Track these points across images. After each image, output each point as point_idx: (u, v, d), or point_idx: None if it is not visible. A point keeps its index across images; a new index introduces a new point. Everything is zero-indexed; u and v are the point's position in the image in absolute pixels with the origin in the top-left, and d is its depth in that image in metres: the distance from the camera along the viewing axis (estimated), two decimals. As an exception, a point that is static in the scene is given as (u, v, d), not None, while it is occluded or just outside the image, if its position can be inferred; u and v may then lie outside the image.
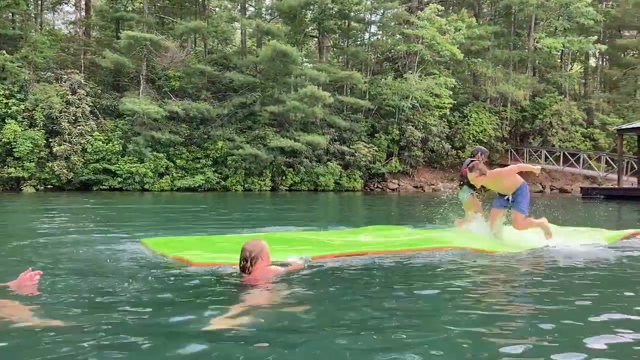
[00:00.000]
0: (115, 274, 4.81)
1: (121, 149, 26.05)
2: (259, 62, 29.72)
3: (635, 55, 44.43)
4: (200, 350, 2.81)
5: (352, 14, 33.09)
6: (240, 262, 4.55)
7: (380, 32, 38.31)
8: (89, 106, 25.74)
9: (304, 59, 34.51)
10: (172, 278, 4.69)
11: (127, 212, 14.04)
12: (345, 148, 30.05)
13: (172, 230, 8.49)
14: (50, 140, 24.57)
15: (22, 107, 24.52)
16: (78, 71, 26.69)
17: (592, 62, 46.58)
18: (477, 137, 34.23)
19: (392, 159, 32.03)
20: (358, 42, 37.55)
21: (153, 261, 5.54)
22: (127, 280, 4.50)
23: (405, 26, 33.54)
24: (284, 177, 28.79)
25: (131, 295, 3.99)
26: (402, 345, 2.94)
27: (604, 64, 46.26)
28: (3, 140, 23.68)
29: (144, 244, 6.50)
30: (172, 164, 26.97)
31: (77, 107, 25.12)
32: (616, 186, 26.29)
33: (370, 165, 30.78)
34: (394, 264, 5.48)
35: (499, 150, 35.73)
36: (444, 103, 32.38)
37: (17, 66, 25.25)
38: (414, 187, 32.34)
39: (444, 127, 33.16)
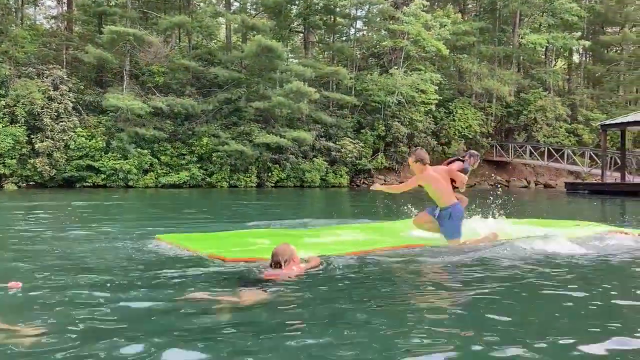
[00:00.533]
0: (111, 272, 4.71)
1: (105, 145, 25.72)
2: (244, 57, 29.51)
3: (618, 52, 44.88)
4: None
5: (338, 9, 32.96)
6: (271, 265, 4.68)
7: (366, 27, 38.28)
8: (72, 102, 25.37)
9: (289, 55, 34.38)
10: (184, 275, 4.61)
11: (115, 209, 13.84)
12: (331, 144, 29.98)
13: (170, 227, 8.40)
14: (32, 136, 24.19)
15: (3, 103, 24.12)
16: (60, 66, 26.28)
17: (576, 58, 46.96)
18: (462, 133, 34.37)
19: (378, 155, 32.03)
20: (344, 38, 37.48)
21: (147, 258, 5.44)
22: (130, 278, 4.41)
23: (391, 22, 33.52)
24: (269, 174, 28.64)
25: (141, 293, 3.91)
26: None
27: (587, 60, 46.66)
28: (-17, 136, 23.28)
29: (162, 240, 6.40)
30: (157, 161, 26.70)
31: (59, 103, 24.75)
32: (600, 181, 26.54)
33: (357, 161, 30.75)
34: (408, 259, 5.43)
35: (484, 146, 35.90)
36: (429, 99, 32.40)
37: (-2, 61, 24.82)
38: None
39: (430, 123, 33.21)
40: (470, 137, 34.61)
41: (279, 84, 28.65)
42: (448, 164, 7.53)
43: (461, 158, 7.48)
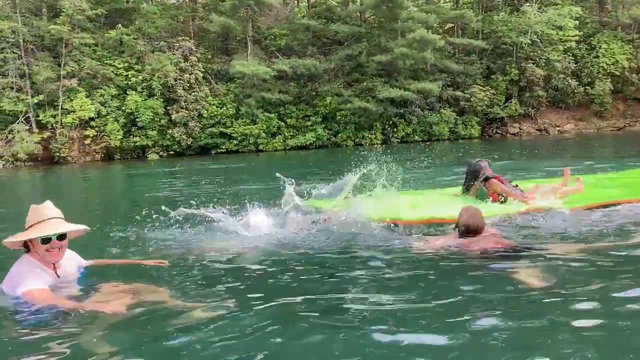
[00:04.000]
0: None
1: (234, 112, 26.48)
2: (363, 10, 28.64)
3: None
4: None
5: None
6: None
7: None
8: (201, 72, 26.30)
9: (410, 3, 32.77)
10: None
11: (251, 173, 14.10)
12: (459, 93, 28.43)
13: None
14: (169, 108, 25.51)
15: (140, 77, 25.59)
16: (188, 38, 27.27)
17: None
18: (608, 70, 30.87)
19: (511, 102, 29.85)
20: (467, -22, 34.95)
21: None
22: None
23: (521, -47, 30.59)
24: (395, 129, 27.87)
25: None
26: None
27: None
28: (127, 111, 24.95)
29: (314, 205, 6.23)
30: (284, 124, 27.02)
31: (190, 74, 25.76)
32: None
33: (488, 110, 28.91)
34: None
35: (634, 83, 32.06)
36: (568, 36, 29.40)
37: (133, 38, 26.27)
38: (537, 130, 30.05)
39: (569, 63, 30.17)
40: (618, 74, 31.01)
41: (400, 35, 27.48)
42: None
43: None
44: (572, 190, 6.16)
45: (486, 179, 5.97)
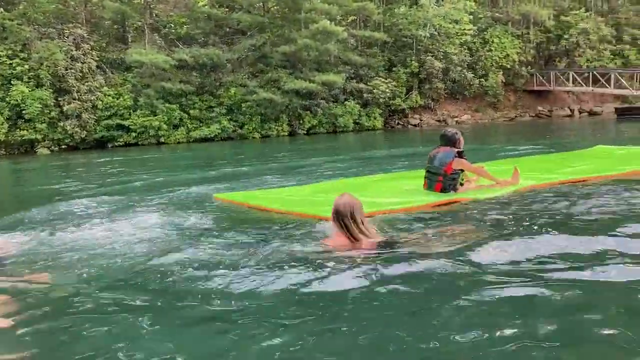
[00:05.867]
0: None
1: (132, 103, 25.21)
2: None
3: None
4: None
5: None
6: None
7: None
8: (95, 61, 24.80)
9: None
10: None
11: (150, 166, 13.42)
12: (362, 85, 28.84)
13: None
14: (60, 99, 23.84)
15: (27, 66, 23.68)
16: (80, 25, 25.59)
17: (619, -27, 43.70)
18: (500, 64, 32.63)
19: (412, 93, 30.73)
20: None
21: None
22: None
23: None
24: (301, 121, 27.82)
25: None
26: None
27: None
28: (12, 102, 23.02)
29: (221, 199, 6.40)
30: (186, 115, 26.12)
31: (82, 63, 24.20)
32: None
33: (390, 102, 29.57)
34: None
35: (523, 76, 34.15)
36: (463, 29, 30.69)
37: (17, 24, 24.24)
38: (436, 121, 31.16)
39: (465, 56, 31.53)
40: (509, 67, 32.87)
41: (304, 25, 27.42)
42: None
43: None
44: (507, 182, 6.08)
45: (460, 154, 5.86)
